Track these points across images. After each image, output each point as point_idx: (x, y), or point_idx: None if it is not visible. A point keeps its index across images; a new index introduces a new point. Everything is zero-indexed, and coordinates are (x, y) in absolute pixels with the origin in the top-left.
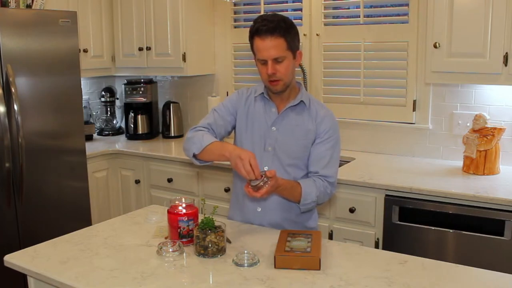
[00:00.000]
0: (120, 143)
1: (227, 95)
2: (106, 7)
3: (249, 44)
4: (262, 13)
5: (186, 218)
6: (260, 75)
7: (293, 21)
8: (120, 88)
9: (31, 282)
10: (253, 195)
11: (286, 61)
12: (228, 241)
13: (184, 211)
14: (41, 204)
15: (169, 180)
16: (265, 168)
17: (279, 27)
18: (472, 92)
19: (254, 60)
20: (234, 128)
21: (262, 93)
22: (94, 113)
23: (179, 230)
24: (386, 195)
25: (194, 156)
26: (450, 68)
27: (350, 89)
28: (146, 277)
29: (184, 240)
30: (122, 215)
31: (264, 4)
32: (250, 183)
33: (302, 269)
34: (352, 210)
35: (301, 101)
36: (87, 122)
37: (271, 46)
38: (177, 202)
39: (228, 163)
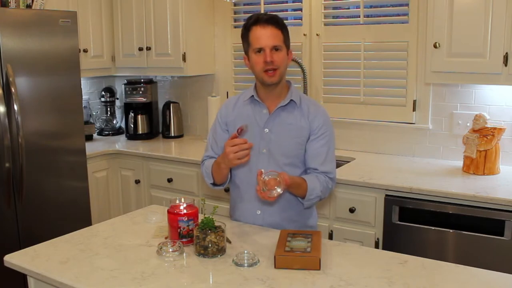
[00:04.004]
0: (120, 143)
1: (227, 95)
2: (106, 7)
3: (242, 41)
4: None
5: (186, 218)
6: (254, 67)
7: (293, 21)
8: (120, 88)
9: (31, 282)
10: (265, 199)
11: (282, 52)
12: (228, 241)
13: (184, 211)
14: (41, 204)
15: (169, 180)
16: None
17: (278, 20)
18: (472, 92)
19: (244, 61)
20: None
21: (252, 95)
22: (94, 113)
23: (179, 230)
24: (386, 195)
25: (214, 184)
26: (450, 68)
27: (350, 89)
28: (146, 277)
29: (184, 240)
30: (122, 215)
31: (264, 4)
32: (262, 175)
33: (302, 269)
34: (352, 210)
35: (291, 100)
36: (87, 122)
37: (271, 34)
38: (177, 202)
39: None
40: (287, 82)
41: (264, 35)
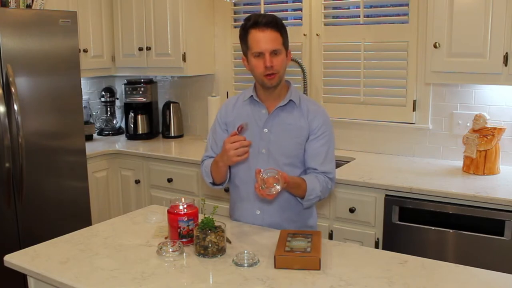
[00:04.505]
0: (120, 143)
1: (227, 95)
2: (106, 7)
3: (240, 43)
4: (262, 13)
5: (186, 218)
6: (253, 70)
7: (293, 21)
8: (120, 88)
9: (31, 282)
10: (264, 196)
11: (282, 55)
12: (228, 241)
13: (184, 211)
14: (41, 204)
15: (169, 180)
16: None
17: (277, 22)
18: (472, 92)
19: (243, 62)
20: None
21: (251, 96)
22: (94, 113)
23: (179, 230)
24: (386, 195)
25: (214, 184)
26: (450, 68)
27: (350, 89)
28: (146, 277)
29: (184, 240)
30: (122, 215)
31: (264, 4)
32: (261, 173)
33: (302, 269)
34: (352, 210)
35: (290, 100)
36: (87, 122)
37: (270, 38)
38: (177, 202)
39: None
40: (286, 82)
41: (263, 39)
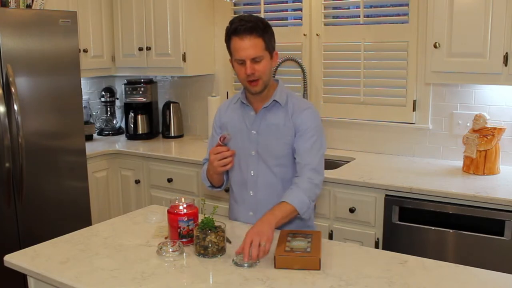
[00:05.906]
0: (120, 143)
1: (227, 95)
2: (106, 7)
3: (226, 46)
4: (262, 13)
5: (186, 218)
6: (237, 76)
7: (293, 21)
8: (120, 88)
9: (31, 282)
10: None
11: (264, 61)
12: (228, 241)
13: (184, 211)
14: (41, 204)
15: (169, 180)
16: (252, 173)
17: (257, 27)
18: (472, 92)
19: (230, 63)
20: None
21: (240, 98)
22: (94, 113)
23: (179, 230)
24: (386, 195)
25: (212, 187)
26: (450, 68)
27: (350, 89)
28: (146, 277)
29: (184, 240)
30: (122, 215)
31: (264, 4)
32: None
33: (302, 269)
34: (352, 210)
35: (274, 100)
36: (87, 122)
37: (249, 45)
38: (177, 202)
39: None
40: (275, 81)
41: (243, 47)
